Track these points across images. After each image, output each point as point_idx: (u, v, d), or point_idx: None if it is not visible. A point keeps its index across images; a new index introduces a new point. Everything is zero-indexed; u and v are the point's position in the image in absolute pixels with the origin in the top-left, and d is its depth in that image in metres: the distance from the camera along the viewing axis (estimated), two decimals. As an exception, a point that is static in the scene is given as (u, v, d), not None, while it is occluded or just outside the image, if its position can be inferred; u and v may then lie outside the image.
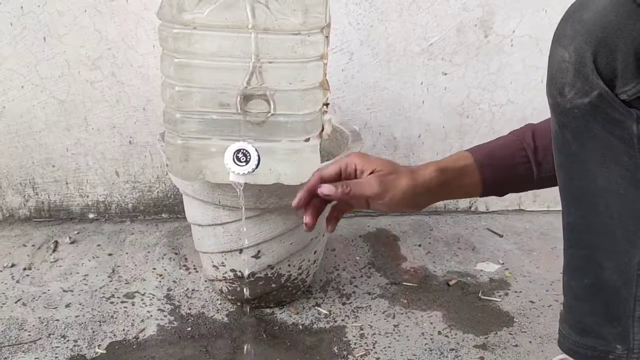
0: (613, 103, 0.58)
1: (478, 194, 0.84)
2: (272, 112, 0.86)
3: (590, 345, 0.68)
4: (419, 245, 1.34)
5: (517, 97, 1.43)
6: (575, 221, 0.67)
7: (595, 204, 0.63)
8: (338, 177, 0.79)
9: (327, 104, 0.93)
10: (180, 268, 1.23)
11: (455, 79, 1.40)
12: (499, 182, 0.83)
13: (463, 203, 1.50)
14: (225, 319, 1.07)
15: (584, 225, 0.66)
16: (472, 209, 1.51)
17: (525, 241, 1.37)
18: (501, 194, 0.86)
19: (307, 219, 0.78)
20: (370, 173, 0.78)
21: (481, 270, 1.25)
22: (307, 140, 0.89)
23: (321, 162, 0.93)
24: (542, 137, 0.81)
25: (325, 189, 0.75)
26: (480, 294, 1.16)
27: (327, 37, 0.87)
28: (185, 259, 1.27)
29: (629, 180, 0.60)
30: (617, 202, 0.62)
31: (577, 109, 0.60)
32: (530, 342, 1.03)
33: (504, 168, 0.82)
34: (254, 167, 0.84)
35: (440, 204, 1.49)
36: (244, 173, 0.84)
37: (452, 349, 1.01)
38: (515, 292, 1.17)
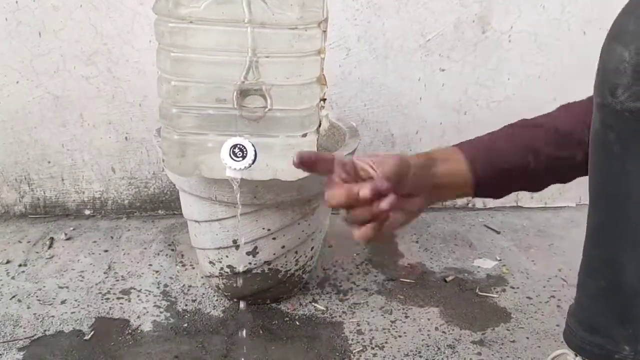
0: None
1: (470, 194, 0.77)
2: (269, 107, 0.85)
3: (598, 344, 0.68)
4: (416, 242, 1.34)
5: (515, 93, 1.43)
6: (602, 223, 0.65)
7: (627, 208, 0.61)
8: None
9: (324, 99, 0.93)
10: (176, 264, 1.23)
11: (453, 75, 1.40)
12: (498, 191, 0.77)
13: (460, 200, 1.50)
14: (222, 315, 1.07)
15: (611, 228, 0.64)
16: (470, 205, 1.51)
17: (522, 238, 1.37)
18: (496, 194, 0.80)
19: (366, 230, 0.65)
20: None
21: (478, 266, 1.24)
22: (305, 135, 0.89)
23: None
24: (554, 145, 0.74)
25: (386, 204, 0.62)
26: (477, 290, 1.16)
27: (324, 31, 0.87)
28: (182, 255, 1.26)
29: None
30: None
31: (628, 112, 0.57)
32: (527, 337, 1.03)
33: (506, 178, 0.75)
34: (251, 162, 0.84)
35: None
36: (240, 168, 0.84)
37: (449, 345, 1.00)
38: (513, 288, 1.17)
